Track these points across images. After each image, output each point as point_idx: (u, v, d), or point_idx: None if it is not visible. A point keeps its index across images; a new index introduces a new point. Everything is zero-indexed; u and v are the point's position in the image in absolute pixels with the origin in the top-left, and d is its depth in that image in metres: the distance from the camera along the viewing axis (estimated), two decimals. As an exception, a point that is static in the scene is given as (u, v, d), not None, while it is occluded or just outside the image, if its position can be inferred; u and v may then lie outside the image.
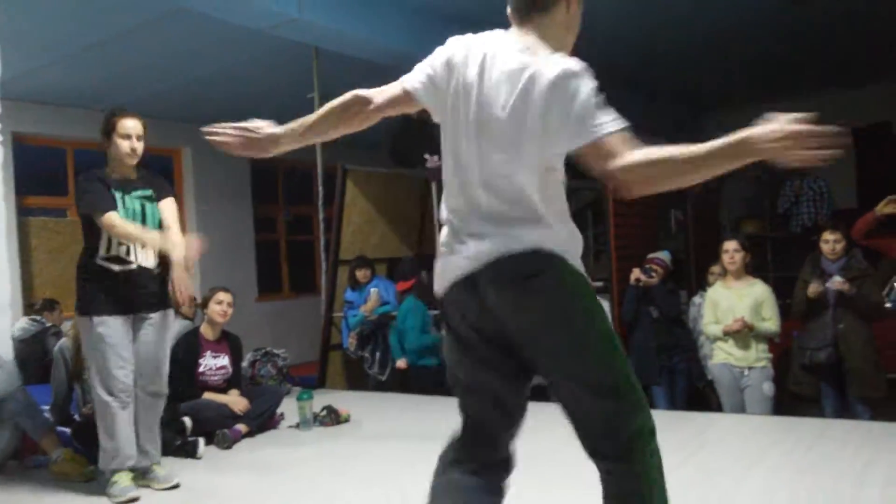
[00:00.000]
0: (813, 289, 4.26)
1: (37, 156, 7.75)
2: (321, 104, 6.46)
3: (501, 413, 1.88)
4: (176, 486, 3.45)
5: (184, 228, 8.55)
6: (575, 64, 1.73)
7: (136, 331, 3.43)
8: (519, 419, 1.92)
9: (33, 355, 5.44)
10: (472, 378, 1.87)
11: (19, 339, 5.45)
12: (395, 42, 5.49)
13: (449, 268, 1.83)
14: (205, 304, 4.57)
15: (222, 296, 4.53)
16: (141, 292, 3.40)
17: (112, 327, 3.31)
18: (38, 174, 7.91)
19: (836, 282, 4.22)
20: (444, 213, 1.88)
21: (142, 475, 3.45)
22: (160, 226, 3.47)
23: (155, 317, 3.46)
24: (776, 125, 1.53)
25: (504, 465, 1.91)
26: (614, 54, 7.16)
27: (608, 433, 1.74)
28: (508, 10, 1.90)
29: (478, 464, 1.87)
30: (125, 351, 3.35)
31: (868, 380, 4.16)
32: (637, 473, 1.72)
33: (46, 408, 4.24)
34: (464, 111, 1.82)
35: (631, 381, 1.77)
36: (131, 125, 3.41)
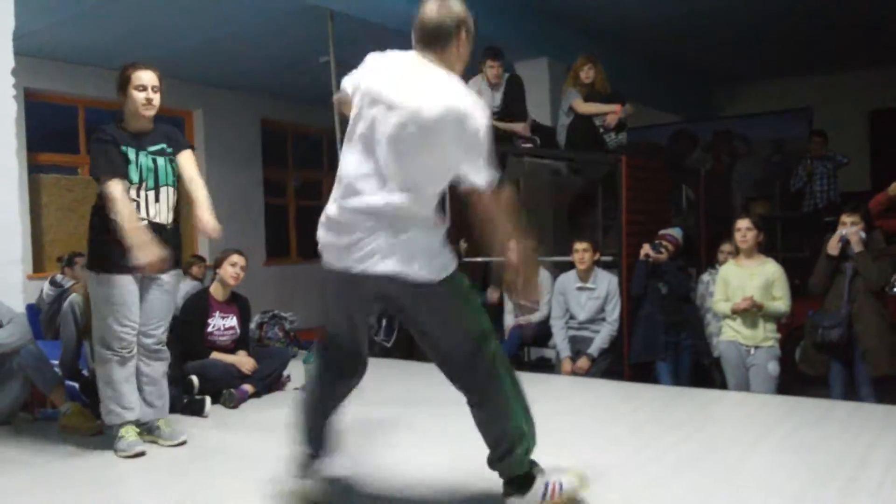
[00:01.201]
0: (832, 243, 4.23)
1: (48, 112, 7.74)
2: (336, 69, 6.47)
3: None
4: (182, 444, 3.48)
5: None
6: (471, 101, 2.26)
7: (145, 290, 3.42)
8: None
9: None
10: None
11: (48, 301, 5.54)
12: (412, 6, 5.42)
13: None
14: (217, 265, 4.59)
15: (236, 258, 4.54)
16: None
17: (119, 287, 3.30)
18: (50, 131, 7.92)
19: (852, 231, 4.20)
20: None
21: (148, 431, 3.48)
22: (176, 180, 3.47)
23: (165, 278, 3.46)
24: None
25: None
26: (631, 27, 7.09)
27: None
28: (413, 39, 2.41)
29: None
30: (131, 311, 3.35)
31: (883, 359, 4.14)
32: None
33: (56, 362, 4.28)
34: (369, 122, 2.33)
35: None
36: (147, 76, 3.40)
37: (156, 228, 3.36)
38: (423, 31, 2.39)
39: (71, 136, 7.93)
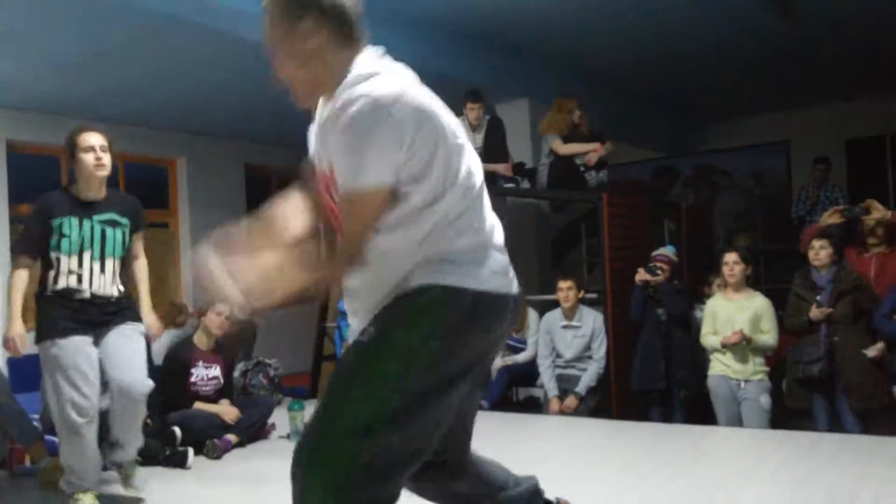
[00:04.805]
0: (815, 313, 4.21)
1: (31, 164, 7.73)
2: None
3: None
4: (140, 501, 3.33)
5: (178, 238, 8.48)
6: None
7: (101, 341, 3.24)
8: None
9: None
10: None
11: None
12: (396, 56, 5.47)
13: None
14: (202, 314, 4.55)
15: (222, 307, 4.50)
16: (102, 311, 3.25)
17: (66, 348, 3.13)
18: (32, 183, 7.89)
19: (815, 312, 4.20)
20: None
21: (118, 467, 3.37)
22: (123, 252, 3.35)
23: (120, 327, 3.28)
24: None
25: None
26: (610, 66, 7.20)
27: None
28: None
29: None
30: (85, 370, 3.14)
31: (866, 392, 4.12)
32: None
33: (36, 416, 4.21)
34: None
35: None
36: (94, 138, 3.27)
37: (100, 301, 3.24)
38: None
39: (53, 188, 7.85)
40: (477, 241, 1.70)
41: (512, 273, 1.78)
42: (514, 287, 1.76)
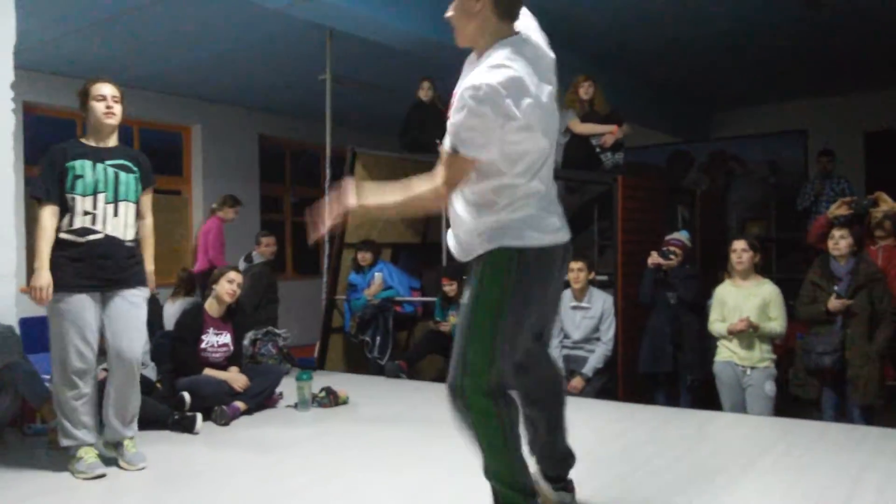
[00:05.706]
0: (834, 304, 4.20)
1: (46, 126, 7.75)
2: (333, 86, 6.47)
3: None
4: (142, 469, 3.33)
5: (191, 206, 8.50)
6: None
7: (106, 304, 3.29)
8: None
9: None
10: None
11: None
12: (411, 26, 5.45)
13: (552, 228, 2.29)
14: (214, 281, 4.58)
15: (234, 275, 4.55)
16: (110, 264, 3.26)
17: (73, 304, 3.19)
18: (47, 144, 7.90)
19: (834, 303, 4.19)
20: (535, 182, 2.26)
21: (113, 447, 3.39)
22: (137, 198, 3.40)
23: (127, 292, 3.33)
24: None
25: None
26: (626, 49, 7.14)
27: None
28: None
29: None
30: (87, 330, 3.21)
31: (871, 387, 4.12)
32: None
33: (47, 377, 4.26)
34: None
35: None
36: (106, 88, 3.37)
37: (112, 243, 3.28)
38: None
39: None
40: (532, 211, 2.23)
41: (562, 224, 2.33)
42: (564, 237, 2.33)
